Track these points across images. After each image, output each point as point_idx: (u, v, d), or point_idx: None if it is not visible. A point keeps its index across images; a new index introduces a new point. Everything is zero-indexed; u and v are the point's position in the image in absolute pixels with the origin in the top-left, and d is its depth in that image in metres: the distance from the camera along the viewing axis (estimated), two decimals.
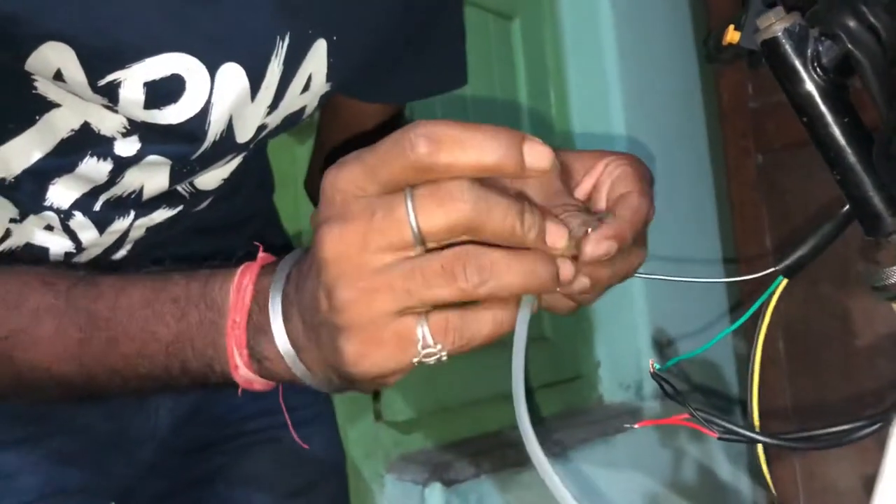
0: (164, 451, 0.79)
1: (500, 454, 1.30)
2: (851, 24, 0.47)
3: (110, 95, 0.57)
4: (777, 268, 0.53)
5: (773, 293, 0.52)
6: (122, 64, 0.56)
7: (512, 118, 1.63)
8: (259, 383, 0.51)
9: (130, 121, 0.60)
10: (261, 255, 0.52)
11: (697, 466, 1.57)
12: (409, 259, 0.42)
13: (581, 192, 0.58)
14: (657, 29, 1.79)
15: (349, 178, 0.43)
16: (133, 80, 0.57)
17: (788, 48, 0.51)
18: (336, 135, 0.87)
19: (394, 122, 0.86)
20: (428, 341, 0.43)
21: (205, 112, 0.60)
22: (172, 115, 0.59)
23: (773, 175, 1.64)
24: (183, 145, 0.62)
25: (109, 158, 0.62)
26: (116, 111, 0.59)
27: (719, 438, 0.49)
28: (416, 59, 0.78)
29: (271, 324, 0.48)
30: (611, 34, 1.70)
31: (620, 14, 1.70)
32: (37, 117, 0.59)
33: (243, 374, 0.51)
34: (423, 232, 0.41)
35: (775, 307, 0.52)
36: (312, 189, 0.95)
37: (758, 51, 0.54)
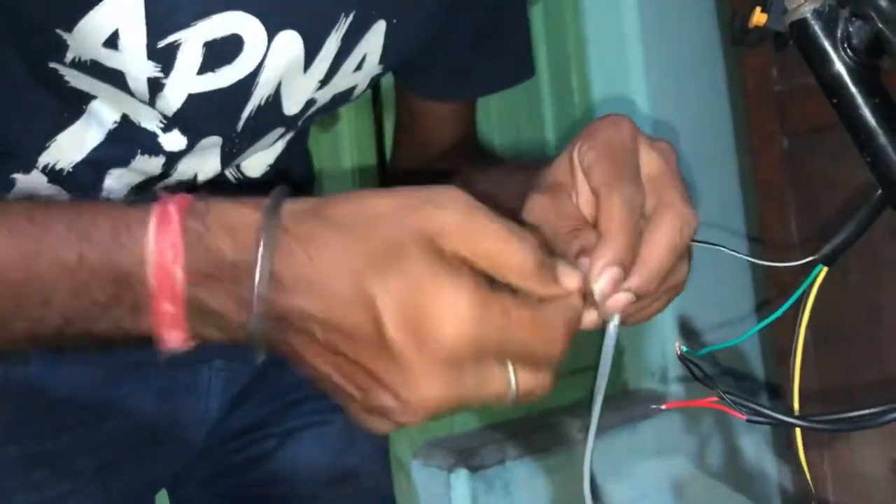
0: (214, 435, 0.80)
1: (526, 440, 1.30)
2: (882, 3, 0.47)
3: (166, 61, 0.57)
4: (815, 256, 0.52)
5: (814, 282, 0.52)
6: (188, 21, 0.56)
7: (534, 104, 1.62)
8: (173, 307, 0.41)
9: (165, 115, 0.61)
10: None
11: (723, 452, 1.56)
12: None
13: (584, 198, 0.52)
14: (680, 12, 1.77)
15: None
16: (194, 40, 0.56)
17: (817, 29, 0.50)
18: (410, 139, 0.87)
19: (465, 127, 0.86)
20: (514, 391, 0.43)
21: (256, 73, 0.60)
22: (225, 76, 0.59)
23: (800, 158, 1.62)
24: (228, 114, 0.62)
25: (161, 154, 0.63)
26: (154, 105, 0.59)
27: (748, 421, 0.48)
28: (484, 53, 0.78)
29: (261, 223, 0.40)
30: (633, 18, 1.68)
31: None
32: (84, 107, 0.60)
33: (171, 273, 0.41)
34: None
35: (805, 293, 0.52)
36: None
37: (785, 33, 0.54)
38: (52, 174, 0.62)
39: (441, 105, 0.83)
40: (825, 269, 0.52)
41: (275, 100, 0.63)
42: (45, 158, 0.62)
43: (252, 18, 0.57)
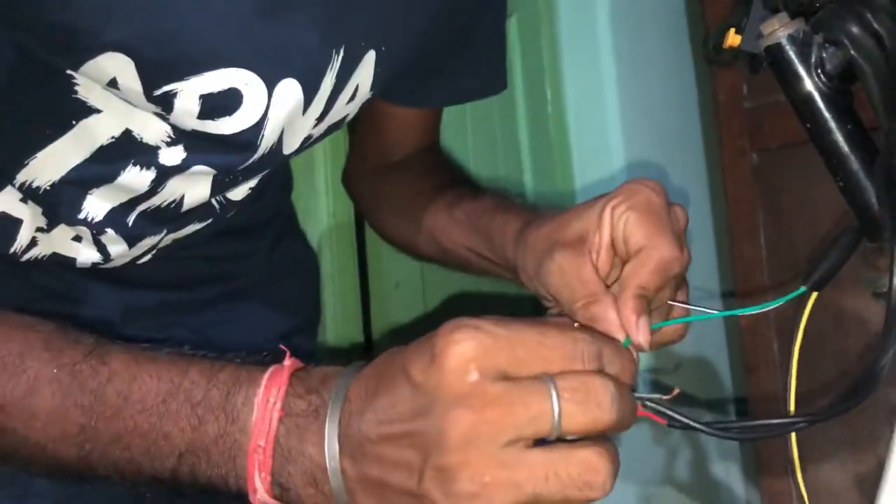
0: None
1: None
2: (855, 30, 0.47)
3: (164, 105, 0.57)
4: (806, 285, 0.56)
5: (805, 308, 0.55)
6: (180, 76, 0.56)
7: (508, 117, 1.63)
8: None
9: (175, 129, 0.60)
10: (288, 361, 0.50)
11: (690, 465, 1.57)
12: (541, 455, 0.43)
13: (603, 248, 0.58)
14: (653, 28, 1.79)
15: (489, 360, 0.42)
16: (189, 91, 0.57)
17: (792, 54, 0.51)
18: (374, 142, 0.87)
19: (430, 134, 0.86)
20: None
21: (260, 125, 0.60)
22: (226, 126, 0.59)
23: (769, 174, 1.64)
24: (231, 156, 0.62)
25: (153, 167, 0.62)
26: (167, 119, 0.59)
27: (669, 426, 0.52)
28: (458, 63, 0.78)
29: (327, 465, 0.46)
30: (607, 32, 1.69)
31: (617, 12, 1.70)
32: (73, 122, 0.59)
33: (261, 497, 0.48)
34: (562, 429, 0.43)
35: (797, 320, 0.55)
36: (350, 186, 0.96)
37: (759, 55, 0.54)
38: (28, 192, 0.61)
39: (406, 110, 0.82)
40: (815, 294, 0.55)
41: (277, 146, 0.63)
42: (22, 177, 0.60)
43: (247, 73, 0.57)
